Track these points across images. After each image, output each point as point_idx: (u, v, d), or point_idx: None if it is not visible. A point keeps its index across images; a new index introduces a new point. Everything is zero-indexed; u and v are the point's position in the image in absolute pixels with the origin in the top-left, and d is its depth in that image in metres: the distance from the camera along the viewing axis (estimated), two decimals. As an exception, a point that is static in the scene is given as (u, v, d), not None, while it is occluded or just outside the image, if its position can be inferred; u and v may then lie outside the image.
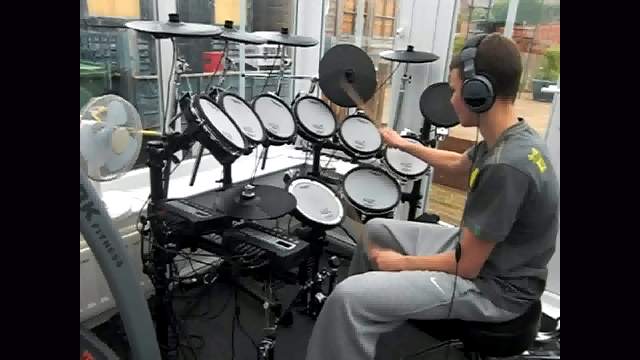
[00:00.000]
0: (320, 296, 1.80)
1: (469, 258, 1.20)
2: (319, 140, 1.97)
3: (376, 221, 1.62)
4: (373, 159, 2.04)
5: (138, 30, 1.48)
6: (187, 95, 1.54)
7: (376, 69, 2.62)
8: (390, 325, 1.25)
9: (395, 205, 1.92)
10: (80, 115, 1.41)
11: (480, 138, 1.32)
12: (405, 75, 2.16)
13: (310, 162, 2.24)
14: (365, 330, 1.20)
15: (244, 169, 1.98)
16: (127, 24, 1.49)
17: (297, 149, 2.37)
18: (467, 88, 1.17)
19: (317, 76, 2.10)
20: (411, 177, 1.95)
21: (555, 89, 1.82)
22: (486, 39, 1.16)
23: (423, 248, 1.49)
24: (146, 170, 1.41)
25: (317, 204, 1.78)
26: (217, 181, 1.97)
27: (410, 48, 2.10)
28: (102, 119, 1.45)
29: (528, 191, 1.11)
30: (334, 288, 1.27)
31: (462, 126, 1.32)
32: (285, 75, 2.13)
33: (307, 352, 1.30)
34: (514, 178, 1.09)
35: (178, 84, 1.63)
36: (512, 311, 1.25)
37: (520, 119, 1.23)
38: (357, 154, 1.96)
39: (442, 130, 2.01)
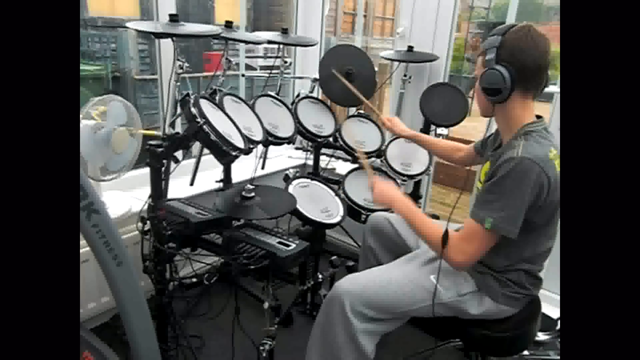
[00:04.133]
0: (322, 292, 1.79)
1: (469, 250, 1.14)
2: (319, 140, 1.97)
3: (379, 215, 1.62)
4: (373, 159, 2.04)
5: (138, 30, 1.48)
6: (187, 95, 1.54)
7: (376, 69, 2.62)
8: (389, 324, 1.25)
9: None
10: (80, 115, 1.41)
11: (491, 131, 1.30)
12: (405, 75, 2.16)
13: (310, 162, 2.24)
14: (364, 327, 1.20)
15: (244, 169, 1.98)
16: (127, 24, 1.49)
17: (297, 149, 2.37)
18: (485, 77, 1.14)
19: (317, 76, 2.10)
20: (411, 177, 1.95)
21: (555, 89, 1.82)
22: (515, 28, 1.12)
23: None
24: (146, 170, 1.41)
25: (317, 203, 1.78)
26: (217, 181, 1.97)
27: (410, 48, 2.10)
28: (102, 119, 1.45)
29: (540, 191, 1.08)
30: (333, 286, 1.28)
31: (481, 116, 1.28)
32: (285, 75, 2.13)
33: (307, 351, 1.30)
34: (534, 174, 1.06)
35: (178, 84, 1.63)
36: (510, 306, 1.24)
37: (538, 116, 1.19)
38: (357, 154, 1.96)
39: (442, 130, 2.01)
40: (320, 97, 2.27)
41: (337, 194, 1.87)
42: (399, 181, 1.98)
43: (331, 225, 1.74)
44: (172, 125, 1.73)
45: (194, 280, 1.80)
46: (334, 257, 1.76)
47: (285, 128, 1.84)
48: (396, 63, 2.19)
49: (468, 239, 1.15)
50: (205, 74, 4.56)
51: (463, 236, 1.16)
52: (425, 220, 1.25)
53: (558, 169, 1.12)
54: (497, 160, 1.15)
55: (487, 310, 1.23)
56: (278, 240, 1.29)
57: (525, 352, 1.60)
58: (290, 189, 1.78)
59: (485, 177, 1.18)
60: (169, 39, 1.56)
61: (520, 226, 1.11)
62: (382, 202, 1.36)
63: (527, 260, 1.22)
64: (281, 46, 2.03)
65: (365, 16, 12.47)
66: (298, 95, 2.09)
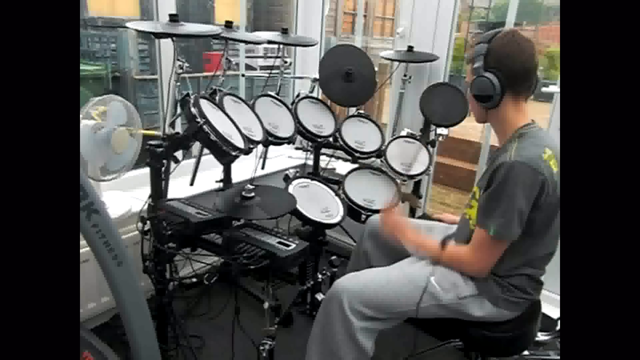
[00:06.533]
0: (320, 296, 1.80)
1: (482, 258, 1.19)
2: (319, 140, 1.97)
3: (378, 217, 1.62)
4: (373, 159, 2.04)
5: (138, 30, 1.48)
6: (187, 95, 1.54)
7: (376, 69, 2.62)
8: (388, 322, 1.25)
9: (395, 205, 1.92)
10: (80, 115, 1.41)
11: (489, 143, 1.30)
12: (405, 75, 2.16)
13: (310, 162, 2.24)
14: (363, 325, 1.21)
15: (244, 169, 1.98)
16: (127, 24, 1.49)
17: (297, 149, 2.37)
18: (475, 85, 1.17)
19: (317, 76, 2.10)
20: (411, 177, 1.95)
21: (555, 89, 1.82)
22: (500, 34, 1.14)
23: None
24: (146, 170, 1.41)
25: (317, 203, 1.78)
26: (217, 181, 1.96)
27: (410, 48, 2.10)
28: (102, 119, 1.45)
29: (539, 191, 1.09)
30: (332, 284, 1.28)
31: (476, 122, 1.31)
32: (285, 75, 2.13)
33: (307, 349, 1.31)
34: (527, 176, 1.08)
35: (178, 84, 1.63)
36: (510, 310, 1.25)
37: (532, 121, 1.21)
38: (357, 154, 1.96)
39: (442, 130, 2.01)
40: (320, 97, 2.27)
41: (337, 194, 1.87)
42: (398, 181, 1.98)
43: (331, 226, 1.74)
44: (172, 125, 1.73)
45: (194, 280, 1.80)
46: (333, 257, 1.76)
47: (285, 128, 1.84)
48: (396, 63, 2.19)
49: (478, 248, 1.19)
50: (205, 74, 4.56)
51: (474, 246, 1.19)
52: (433, 244, 1.30)
53: (555, 168, 1.12)
54: (493, 163, 1.16)
55: (488, 313, 1.23)
56: (278, 240, 1.29)
57: (525, 352, 1.60)
58: (290, 189, 1.78)
59: (484, 183, 1.19)
60: (169, 39, 1.56)
61: (522, 227, 1.12)
62: (393, 237, 1.42)
63: (529, 264, 1.22)
64: (281, 46, 2.03)
65: (365, 16, 12.46)
66: (298, 95, 2.09)
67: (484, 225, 1.15)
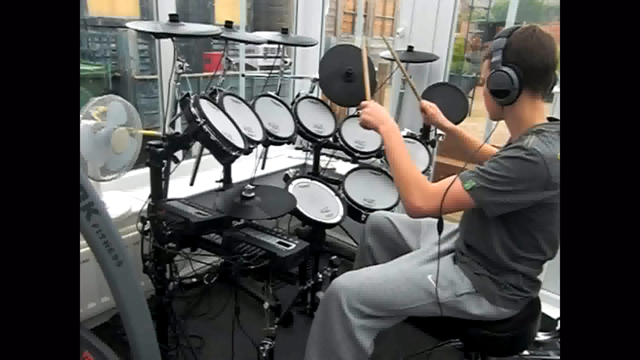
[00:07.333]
0: (320, 294, 1.80)
1: (437, 204, 1.12)
2: (319, 140, 1.97)
3: (379, 214, 1.61)
4: (373, 159, 2.04)
5: (138, 30, 1.49)
6: (187, 95, 1.54)
7: (376, 69, 2.62)
8: (386, 321, 1.25)
9: (396, 205, 1.92)
10: (80, 115, 1.41)
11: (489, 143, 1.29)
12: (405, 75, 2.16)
13: (310, 162, 2.24)
14: (361, 323, 1.20)
15: (244, 169, 1.98)
16: (127, 24, 1.49)
17: (297, 149, 2.36)
18: (492, 79, 1.14)
19: (317, 76, 2.10)
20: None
21: (555, 89, 1.81)
22: (520, 29, 1.12)
23: (427, 242, 1.48)
24: (146, 170, 1.41)
25: (317, 203, 1.78)
26: (217, 181, 1.96)
27: (410, 48, 2.10)
28: (102, 119, 1.45)
29: (540, 186, 1.06)
30: (331, 283, 1.28)
31: (491, 119, 1.29)
32: (285, 75, 2.13)
33: (306, 349, 1.30)
34: (537, 169, 1.04)
35: (178, 84, 1.63)
36: (508, 308, 1.24)
37: (552, 119, 1.18)
38: (357, 154, 1.96)
39: (442, 130, 2.00)
40: (320, 97, 2.27)
41: (337, 194, 1.87)
42: None
43: (331, 225, 1.74)
44: (172, 125, 1.73)
45: (194, 280, 1.80)
46: (333, 257, 1.76)
47: (285, 128, 1.84)
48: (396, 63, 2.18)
49: (441, 191, 1.12)
50: (205, 74, 4.57)
51: (437, 187, 1.14)
52: (409, 160, 1.23)
53: None
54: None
55: (487, 312, 1.23)
56: (278, 240, 1.29)
57: (525, 352, 1.60)
58: (290, 189, 1.78)
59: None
60: (169, 39, 1.56)
61: (503, 211, 1.10)
62: (372, 121, 1.33)
63: (526, 264, 1.22)
64: (281, 46, 2.03)
65: (365, 16, 12.47)
66: (298, 95, 2.09)
67: (462, 177, 1.11)
